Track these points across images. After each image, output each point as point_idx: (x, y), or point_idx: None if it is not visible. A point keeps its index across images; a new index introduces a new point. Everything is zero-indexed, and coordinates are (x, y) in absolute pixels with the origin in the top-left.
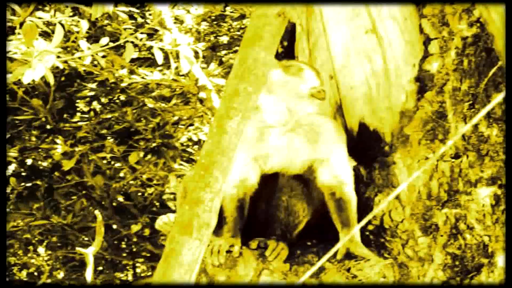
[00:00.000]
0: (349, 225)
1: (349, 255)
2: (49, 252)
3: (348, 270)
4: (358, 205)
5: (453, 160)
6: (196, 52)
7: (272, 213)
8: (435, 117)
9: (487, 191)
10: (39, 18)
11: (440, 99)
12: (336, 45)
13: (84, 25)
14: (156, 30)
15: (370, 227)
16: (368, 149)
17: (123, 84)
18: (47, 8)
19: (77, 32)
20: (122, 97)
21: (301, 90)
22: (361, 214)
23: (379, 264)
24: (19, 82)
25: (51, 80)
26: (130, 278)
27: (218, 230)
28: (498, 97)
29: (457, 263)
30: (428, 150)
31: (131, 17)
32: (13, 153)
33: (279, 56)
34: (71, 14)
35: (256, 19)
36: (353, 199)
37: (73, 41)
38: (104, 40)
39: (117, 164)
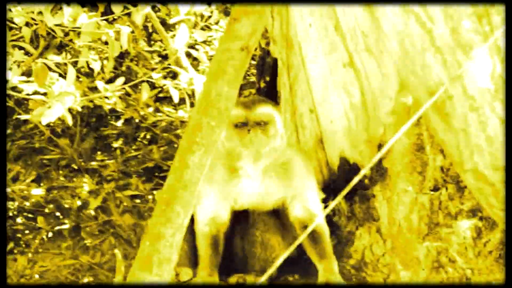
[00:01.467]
0: (326, 256)
1: (329, 286)
2: None
3: None
4: (339, 239)
5: (432, 192)
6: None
7: (248, 248)
8: (413, 150)
9: (468, 223)
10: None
11: (417, 131)
12: (315, 79)
13: (96, 66)
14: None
15: (352, 261)
16: (348, 182)
17: (148, 122)
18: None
19: (99, 73)
20: (148, 135)
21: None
22: (343, 248)
23: None
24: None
25: (69, 121)
26: None
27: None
28: (439, 91)
29: None
30: (407, 183)
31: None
32: (39, 191)
33: (261, 91)
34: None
35: (219, 54)
36: (326, 230)
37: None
38: (119, 80)
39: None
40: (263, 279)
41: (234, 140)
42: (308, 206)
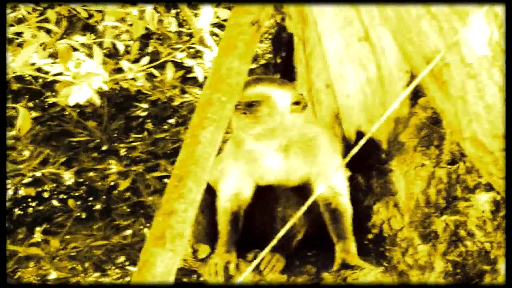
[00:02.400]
0: (345, 236)
1: (345, 265)
2: (118, 271)
3: (344, 279)
4: (357, 214)
5: (449, 166)
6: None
7: (269, 224)
8: (429, 123)
9: (486, 196)
10: (76, 41)
11: (433, 104)
12: (330, 54)
13: (121, 46)
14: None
15: (370, 236)
16: (366, 157)
17: (174, 103)
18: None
19: (125, 54)
20: (175, 116)
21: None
22: (360, 223)
23: (373, 272)
24: (75, 105)
25: (97, 101)
26: None
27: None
28: (436, 59)
29: (458, 270)
30: (424, 157)
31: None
32: (69, 174)
33: (277, 67)
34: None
35: (230, 29)
36: (349, 210)
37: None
38: (144, 59)
39: None
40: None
41: (235, 122)
42: (333, 184)
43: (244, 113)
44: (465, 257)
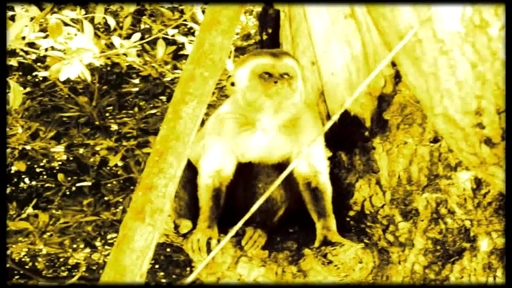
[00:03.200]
0: (325, 215)
1: (326, 242)
2: (108, 247)
3: (325, 256)
4: (339, 191)
5: (432, 144)
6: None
7: (250, 201)
8: (413, 101)
9: (468, 174)
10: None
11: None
12: (316, 31)
13: (112, 22)
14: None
15: (351, 213)
16: (349, 134)
17: (166, 79)
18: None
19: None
20: (166, 92)
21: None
22: (342, 200)
23: (353, 248)
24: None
25: (87, 77)
26: (189, 273)
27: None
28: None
29: (438, 247)
30: (406, 135)
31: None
32: (60, 149)
33: (263, 43)
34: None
35: (213, 4)
36: (329, 189)
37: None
38: (136, 36)
39: None
40: (232, 233)
41: (257, 90)
42: (313, 163)
43: (275, 82)
44: (445, 234)
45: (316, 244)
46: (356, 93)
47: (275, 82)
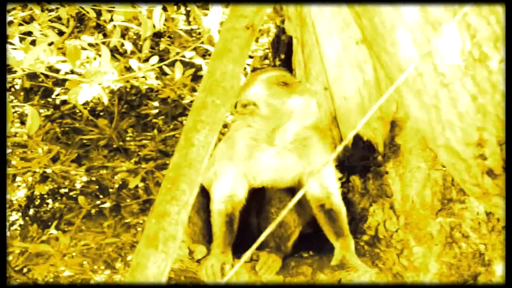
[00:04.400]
0: (344, 234)
1: (342, 265)
2: (128, 269)
3: (339, 281)
4: (353, 215)
5: (444, 168)
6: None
7: (263, 225)
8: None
9: None
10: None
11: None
12: (328, 56)
13: (129, 46)
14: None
15: (365, 238)
16: (362, 159)
17: (185, 102)
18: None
19: (135, 53)
20: (185, 114)
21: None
22: (356, 224)
23: (368, 273)
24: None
25: (105, 100)
26: None
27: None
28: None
29: (453, 272)
30: (419, 159)
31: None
32: (81, 172)
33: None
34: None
35: (225, 32)
36: (343, 209)
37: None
38: (154, 59)
39: None
40: (245, 257)
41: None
42: (325, 184)
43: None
44: (460, 258)
45: (334, 262)
46: (365, 118)
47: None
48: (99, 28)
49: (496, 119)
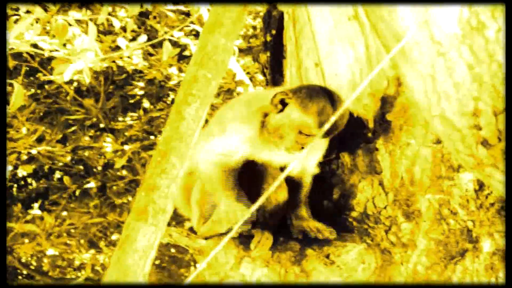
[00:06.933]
0: (297, 204)
1: (329, 241)
2: (112, 248)
3: (327, 256)
4: (342, 192)
5: (434, 145)
6: None
7: (255, 201)
8: (415, 102)
9: (470, 175)
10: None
11: (404, 82)
12: (320, 33)
13: (117, 23)
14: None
15: (354, 214)
16: (352, 136)
17: (171, 82)
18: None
19: (121, 32)
20: (171, 95)
21: None
22: (345, 201)
23: (355, 249)
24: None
25: (87, 78)
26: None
27: None
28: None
29: (440, 248)
30: (409, 136)
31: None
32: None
33: (267, 45)
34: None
35: (216, 6)
36: (308, 186)
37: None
38: (142, 38)
39: None
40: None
41: (284, 136)
42: (305, 165)
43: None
44: (448, 235)
45: (294, 231)
46: (355, 94)
47: (302, 148)
48: (84, 5)
49: (492, 89)
